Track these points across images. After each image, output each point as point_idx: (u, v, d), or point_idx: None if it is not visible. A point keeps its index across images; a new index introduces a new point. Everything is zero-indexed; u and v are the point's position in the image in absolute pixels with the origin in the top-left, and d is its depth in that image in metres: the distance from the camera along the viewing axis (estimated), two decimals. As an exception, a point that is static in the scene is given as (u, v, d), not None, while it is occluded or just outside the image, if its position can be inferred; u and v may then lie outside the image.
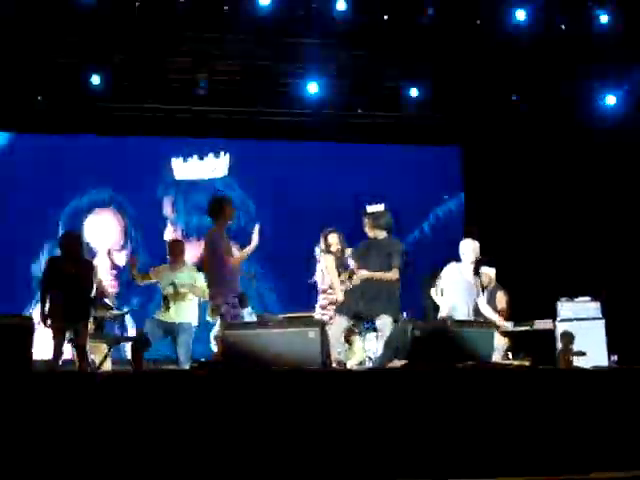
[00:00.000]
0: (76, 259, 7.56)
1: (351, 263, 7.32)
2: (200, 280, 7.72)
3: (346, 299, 7.06)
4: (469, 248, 7.77)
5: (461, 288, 7.58)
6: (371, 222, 7.08)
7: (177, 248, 8.14)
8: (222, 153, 11.26)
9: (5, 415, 4.46)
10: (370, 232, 7.08)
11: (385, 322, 6.81)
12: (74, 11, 9.15)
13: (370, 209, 7.12)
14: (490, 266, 8.42)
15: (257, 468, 4.61)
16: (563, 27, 9.70)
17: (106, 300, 8.79)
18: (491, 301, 8.22)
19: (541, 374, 5.43)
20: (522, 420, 4.92)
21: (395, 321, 6.73)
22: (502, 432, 4.85)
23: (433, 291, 8.22)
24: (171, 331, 7.76)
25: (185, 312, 7.83)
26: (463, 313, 7.46)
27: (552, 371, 5.79)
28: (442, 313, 7.60)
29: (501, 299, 8.59)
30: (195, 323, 7.91)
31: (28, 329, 6.25)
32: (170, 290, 7.77)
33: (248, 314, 7.67)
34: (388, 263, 6.90)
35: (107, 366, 8.16)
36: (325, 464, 4.66)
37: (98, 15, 9.21)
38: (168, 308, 7.76)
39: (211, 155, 11.25)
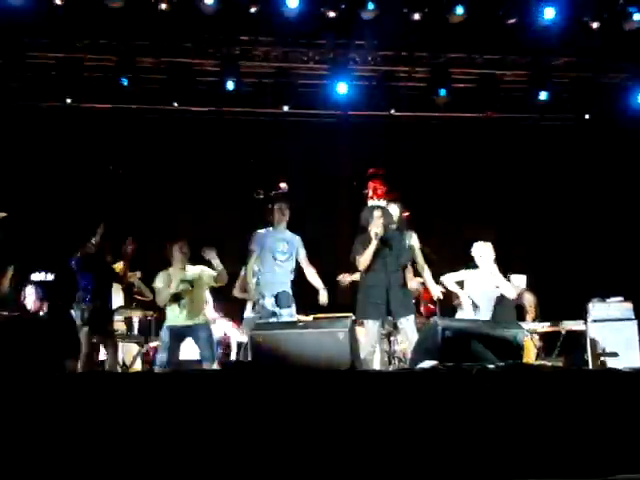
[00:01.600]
0: None
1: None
2: (207, 270, 7.72)
3: (368, 302, 7.04)
4: (486, 250, 7.77)
5: (484, 296, 7.62)
6: (382, 217, 7.10)
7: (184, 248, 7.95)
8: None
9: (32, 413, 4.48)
10: (380, 227, 7.07)
11: (409, 322, 6.85)
12: (103, 12, 9.21)
13: (377, 204, 7.13)
14: (520, 273, 8.37)
15: (287, 468, 4.59)
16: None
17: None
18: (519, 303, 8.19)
19: (574, 375, 5.38)
20: (558, 421, 4.86)
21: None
22: (541, 433, 4.81)
23: (449, 277, 8.05)
24: (189, 334, 7.70)
25: (198, 313, 7.75)
26: (485, 316, 7.49)
27: (586, 372, 5.72)
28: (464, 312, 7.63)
29: (529, 300, 8.52)
30: (211, 322, 7.85)
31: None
32: (185, 288, 7.69)
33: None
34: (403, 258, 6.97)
35: (137, 366, 8.20)
36: (355, 465, 4.63)
37: (127, 17, 9.27)
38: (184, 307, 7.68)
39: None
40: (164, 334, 7.61)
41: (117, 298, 8.73)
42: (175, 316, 7.65)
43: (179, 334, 7.63)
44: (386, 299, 6.92)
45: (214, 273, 7.67)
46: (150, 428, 4.54)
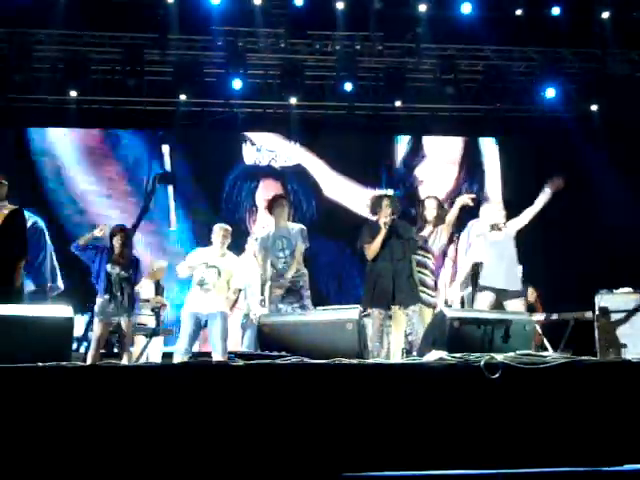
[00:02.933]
0: None
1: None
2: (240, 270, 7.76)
3: (375, 291, 7.00)
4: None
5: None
6: (390, 206, 7.07)
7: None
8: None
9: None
10: (386, 217, 7.04)
11: (414, 310, 6.84)
12: (107, 6, 9.22)
13: (385, 193, 7.12)
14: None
15: (292, 461, 4.59)
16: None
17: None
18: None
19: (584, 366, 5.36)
20: (569, 411, 4.86)
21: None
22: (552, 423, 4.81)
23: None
24: (204, 323, 7.73)
25: (216, 301, 7.76)
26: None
27: (594, 363, 5.69)
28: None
29: (531, 294, 8.49)
30: (228, 312, 7.86)
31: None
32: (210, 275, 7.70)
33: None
34: (407, 248, 6.94)
35: (144, 358, 8.20)
36: (360, 455, 4.62)
37: (130, 11, 9.28)
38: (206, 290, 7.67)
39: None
40: (184, 319, 7.67)
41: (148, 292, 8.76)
42: (195, 302, 7.69)
43: (197, 321, 7.68)
44: (392, 288, 6.91)
45: (239, 279, 7.78)
46: (152, 423, 4.52)
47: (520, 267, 8.03)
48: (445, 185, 11.57)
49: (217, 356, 7.47)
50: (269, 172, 11.47)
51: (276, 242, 7.65)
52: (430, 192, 9.25)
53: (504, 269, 7.37)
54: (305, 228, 7.88)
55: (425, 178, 11.62)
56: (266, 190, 11.05)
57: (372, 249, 7.04)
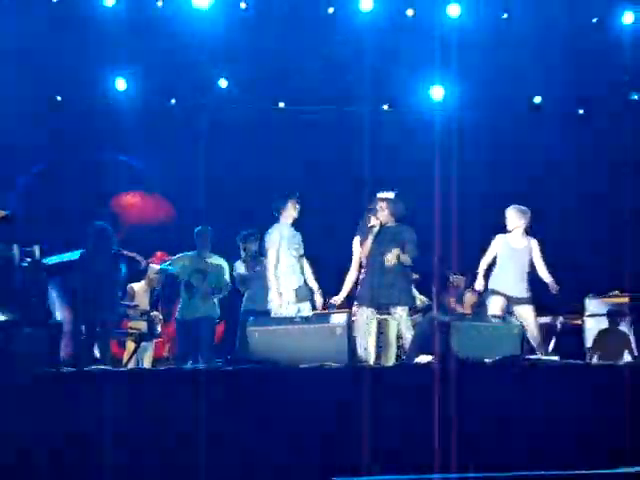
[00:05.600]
0: None
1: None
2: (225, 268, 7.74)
3: (364, 288, 7.01)
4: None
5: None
6: (390, 208, 7.05)
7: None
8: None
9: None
10: (384, 218, 7.05)
11: (402, 312, 6.83)
12: (97, 12, 9.20)
13: (384, 195, 7.08)
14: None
15: (286, 464, 4.60)
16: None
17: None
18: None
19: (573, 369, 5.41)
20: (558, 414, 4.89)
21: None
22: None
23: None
24: (193, 327, 7.70)
25: (207, 307, 7.74)
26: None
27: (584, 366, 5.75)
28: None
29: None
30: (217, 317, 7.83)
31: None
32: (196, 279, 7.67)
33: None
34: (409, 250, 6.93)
35: (133, 363, 8.16)
36: (357, 459, 4.63)
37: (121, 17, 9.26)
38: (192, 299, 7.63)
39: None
40: (177, 328, 7.75)
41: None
42: (184, 308, 7.72)
43: (186, 327, 7.67)
44: (379, 288, 6.90)
45: (226, 276, 7.69)
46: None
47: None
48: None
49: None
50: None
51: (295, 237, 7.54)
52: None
53: (514, 276, 7.43)
54: None
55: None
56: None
57: (362, 251, 7.06)
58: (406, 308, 6.91)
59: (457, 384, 4.83)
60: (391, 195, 7.12)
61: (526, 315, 7.17)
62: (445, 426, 4.69)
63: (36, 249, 6.38)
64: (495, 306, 7.26)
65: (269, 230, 7.31)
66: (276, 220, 7.24)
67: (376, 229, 6.96)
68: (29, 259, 6.30)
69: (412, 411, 4.79)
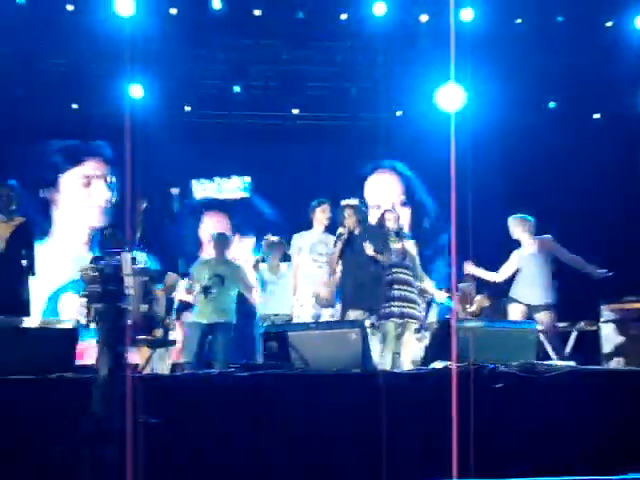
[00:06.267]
0: None
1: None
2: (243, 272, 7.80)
3: (357, 292, 6.97)
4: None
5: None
6: (356, 214, 7.05)
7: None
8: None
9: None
10: (351, 225, 7.03)
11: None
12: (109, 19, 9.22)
13: (349, 202, 7.11)
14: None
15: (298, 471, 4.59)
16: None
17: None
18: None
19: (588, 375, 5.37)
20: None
21: None
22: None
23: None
24: (209, 332, 7.69)
25: (224, 311, 7.73)
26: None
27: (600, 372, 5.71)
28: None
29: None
30: (234, 321, 7.82)
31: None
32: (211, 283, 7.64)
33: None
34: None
35: (149, 369, 8.15)
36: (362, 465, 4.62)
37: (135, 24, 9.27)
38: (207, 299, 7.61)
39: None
40: (189, 330, 7.70)
41: None
42: (200, 311, 7.69)
43: (204, 331, 7.65)
44: (357, 295, 6.88)
45: (245, 277, 7.79)
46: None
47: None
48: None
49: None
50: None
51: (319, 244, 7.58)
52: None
53: (523, 283, 7.51)
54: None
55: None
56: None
57: (331, 260, 7.08)
58: None
59: (471, 389, 4.83)
60: (355, 201, 7.16)
61: (543, 320, 7.31)
62: (462, 432, 4.67)
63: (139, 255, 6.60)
64: (515, 313, 7.40)
65: (294, 236, 7.46)
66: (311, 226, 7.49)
67: (345, 237, 6.98)
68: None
69: (428, 416, 4.77)
